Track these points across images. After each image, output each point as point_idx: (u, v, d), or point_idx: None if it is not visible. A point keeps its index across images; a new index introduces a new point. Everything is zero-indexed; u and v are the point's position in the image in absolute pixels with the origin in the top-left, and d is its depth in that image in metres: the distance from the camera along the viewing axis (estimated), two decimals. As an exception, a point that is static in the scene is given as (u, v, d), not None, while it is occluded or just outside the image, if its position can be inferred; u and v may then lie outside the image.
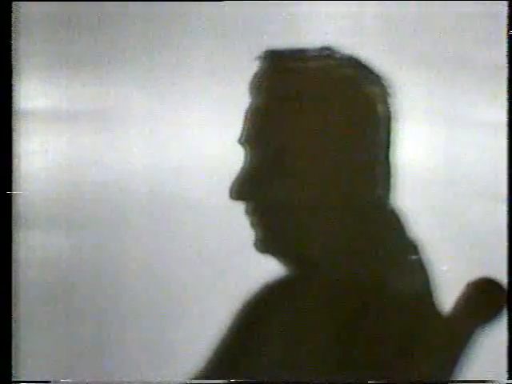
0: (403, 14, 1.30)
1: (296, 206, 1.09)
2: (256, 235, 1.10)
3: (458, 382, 1.07)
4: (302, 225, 1.09)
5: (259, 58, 1.11)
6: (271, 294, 1.16)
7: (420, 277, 1.10)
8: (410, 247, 1.11)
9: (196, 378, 1.18)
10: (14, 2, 1.29)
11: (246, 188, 1.10)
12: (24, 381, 1.25)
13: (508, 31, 1.24)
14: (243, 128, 1.12)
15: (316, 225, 1.09)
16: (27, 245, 1.32)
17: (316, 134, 1.08)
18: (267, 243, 1.10)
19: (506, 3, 1.25)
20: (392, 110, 1.12)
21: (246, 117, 1.11)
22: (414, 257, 1.11)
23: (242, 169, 1.11)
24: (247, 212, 1.11)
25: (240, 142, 1.12)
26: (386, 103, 1.11)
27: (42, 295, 1.33)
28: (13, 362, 1.27)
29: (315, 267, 1.10)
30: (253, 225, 1.11)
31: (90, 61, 1.34)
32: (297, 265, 1.12)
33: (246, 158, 1.11)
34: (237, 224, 1.14)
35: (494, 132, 1.26)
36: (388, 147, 1.11)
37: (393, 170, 1.11)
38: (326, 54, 1.11)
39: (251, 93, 1.11)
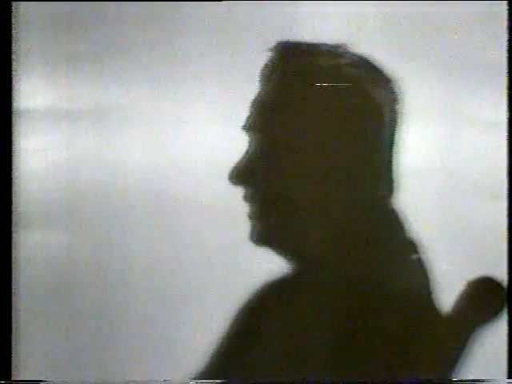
0: (403, 14, 1.30)
1: (296, 200, 1.08)
2: (252, 226, 1.09)
3: (458, 381, 1.07)
4: (301, 219, 1.08)
5: (271, 49, 1.10)
6: (270, 291, 1.16)
7: (420, 276, 1.10)
8: (410, 247, 1.11)
9: (196, 378, 1.18)
10: (13, 2, 1.29)
11: (246, 173, 1.08)
12: (24, 381, 1.25)
13: (508, 31, 1.24)
14: (249, 115, 1.11)
15: (315, 220, 1.09)
16: (27, 245, 1.32)
17: (321, 130, 1.08)
18: (264, 234, 1.09)
19: (505, 3, 1.25)
20: (398, 111, 1.12)
21: (252, 105, 1.11)
22: (413, 256, 1.10)
23: (245, 155, 1.10)
24: (245, 199, 1.09)
25: (245, 128, 1.11)
26: (392, 105, 1.11)
27: (41, 295, 1.33)
28: (13, 362, 1.27)
29: (314, 263, 1.10)
30: (250, 215, 1.09)
31: (90, 60, 1.34)
32: (294, 259, 1.10)
33: (249, 144, 1.10)
34: (237, 223, 1.14)
35: (494, 131, 1.26)
36: (392, 147, 1.11)
37: (396, 170, 1.11)
38: (339, 52, 1.11)
39: (260, 82, 1.10)
